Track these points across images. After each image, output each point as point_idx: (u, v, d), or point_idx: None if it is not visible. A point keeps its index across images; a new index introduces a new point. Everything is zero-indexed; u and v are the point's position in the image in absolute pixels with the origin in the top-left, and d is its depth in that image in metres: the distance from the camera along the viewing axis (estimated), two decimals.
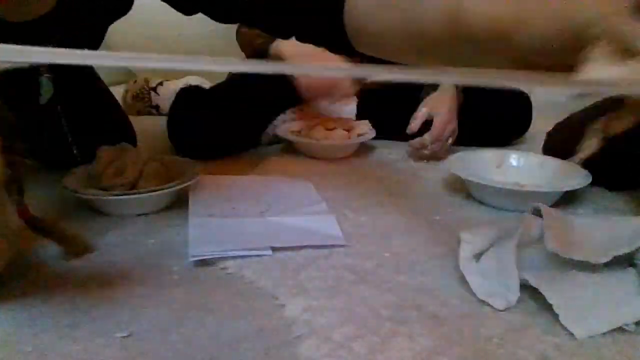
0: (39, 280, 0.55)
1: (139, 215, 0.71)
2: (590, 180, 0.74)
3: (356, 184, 0.88)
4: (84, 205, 0.75)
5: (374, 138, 1.14)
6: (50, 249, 0.62)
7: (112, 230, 0.68)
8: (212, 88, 1.16)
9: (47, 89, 0.76)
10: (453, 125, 1.01)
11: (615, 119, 0.45)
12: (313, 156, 1.03)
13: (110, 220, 0.71)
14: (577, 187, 0.73)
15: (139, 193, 0.70)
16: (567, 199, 0.77)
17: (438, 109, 1.01)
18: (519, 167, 0.86)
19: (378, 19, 0.52)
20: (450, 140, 1.01)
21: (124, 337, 0.45)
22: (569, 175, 0.77)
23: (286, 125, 1.10)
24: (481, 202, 0.78)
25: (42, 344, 0.44)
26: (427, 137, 0.99)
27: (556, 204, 0.74)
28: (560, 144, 0.92)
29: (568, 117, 0.95)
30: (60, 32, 0.68)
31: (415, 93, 1.13)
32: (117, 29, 0.88)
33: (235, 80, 1.12)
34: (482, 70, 0.39)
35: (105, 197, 0.70)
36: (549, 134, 0.98)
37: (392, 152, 1.07)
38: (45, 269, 0.57)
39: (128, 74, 1.87)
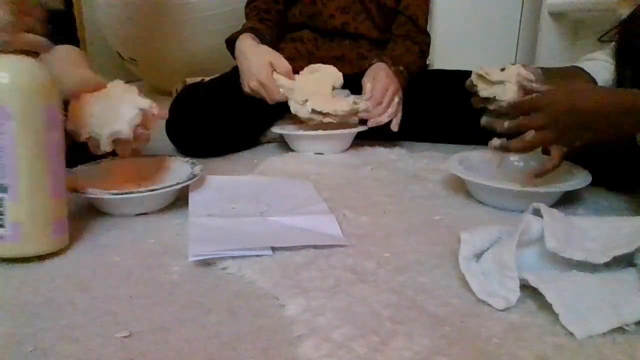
0: (39, 280, 0.55)
1: (138, 215, 0.71)
2: (590, 180, 0.74)
3: (356, 184, 0.89)
4: (83, 205, 0.75)
5: (375, 138, 1.14)
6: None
7: (112, 230, 0.68)
8: (213, 85, 1.15)
9: None
10: (395, 86, 1.04)
11: None
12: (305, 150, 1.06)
13: (110, 219, 0.71)
14: (577, 187, 0.73)
15: (139, 192, 0.70)
16: (567, 199, 0.77)
17: (376, 75, 1.05)
18: (519, 167, 0.86)
19: None
20: (395, 103, 1.04)
21: (124, 337, 0.45)
22: (569, 175, 0.77)
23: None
24: (481, 202, 0.78)
25: (42, 344, 0.44)
26: (365, 101, 1.02)
27: (556, 204, 0.74)
28: None
29: None
30: None
31: (420, 94, 1.13)
32: None
33: (236, 79, 1.12)
34: None
35: (105, 197, 0.70)
36: None
37: (392, 152, 1.07)
38: (45, 269, 0.57)
39: (129, 74, 1.87)
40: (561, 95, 0.67)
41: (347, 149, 1.08)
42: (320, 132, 1.04)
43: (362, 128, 1.06)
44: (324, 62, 1.11)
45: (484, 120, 0.73)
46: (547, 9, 1.84)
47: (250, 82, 1.02)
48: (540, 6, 1.87)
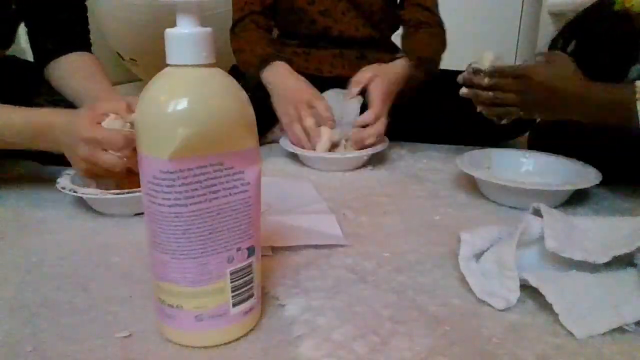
0: (39, 280, 0.55)
1: (138, 214, 0.71)
2: (600, 178, 0.75)
3: (356, 183, 0.89)
4: (83, 205, 0.75)
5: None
6: (49, 249, 0.62)
7: (111, 230, 0.68)
8: None
9: None
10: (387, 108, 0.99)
11: None
12: (319, 169, 0.97)
13: (110, 219, 0.71)
14: (589, 185, 0.73)
15: (138, 192, 0.69)
16: (567, 199, 0.77)
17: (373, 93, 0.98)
18: (529, 165, 0.87)
19: None
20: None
21: (124, 337, 0.45)
22: (580, 174, 0.78)
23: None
24: (482, 202, 0.78)
25: (42, 344, 0.44)
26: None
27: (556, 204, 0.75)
28: (544, 140, 0.94)
29: None
30: None
31: (419, 95, 1.13)
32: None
33: (241, 76, 1.12)
34: None
35: (104, 197, 0.70)
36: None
37: (392, 152, 1.07)
38: (45, 269, 0.57)
39: (129, 74, 1.87)
40: (542, 71, 0.75)
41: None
42: (336, 155, 0.96)
43: (379, 149, 0.99)
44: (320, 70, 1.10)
45: (462, 76, 0.83)
46: (547, 9, 1.85)
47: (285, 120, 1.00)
48: (540, 6, 1.87)
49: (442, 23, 1.16)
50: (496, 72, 0.78)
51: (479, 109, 0.83)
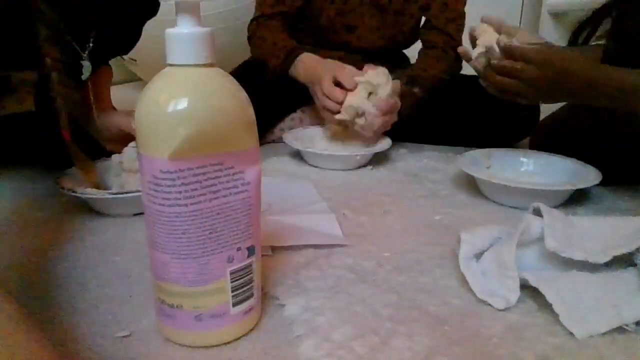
0: (38, 280, 0.55)
1: (138, 214, 0.71)
2: (600, 178, 0.75)
3: (356, 183, 0.89)
4: (83, 206, 0.75)
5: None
6: (49, 249, 0.62)
7: (111, 230, 0.68)
8: None
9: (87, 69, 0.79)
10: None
11: None
12: (322, 167, 0.97)
13: (109, 219, 0.71)
14: (589, 185, 0.73)
15: (138, 192, 0.70)
16: (567, 199, 0.77)
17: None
18: (529, 165, 0.87)
19: None
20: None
21: (124, 337, 0.45)
22: (580, 174, 0.78)
23: (294, 131, 1.08)
24: (482, 202, 0.78)
25: None
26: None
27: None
28: (545, 140, 0.94)
29: (553, 114, 0.99)
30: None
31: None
32: None
33: (241, 76, 1.12)
34: None
35: (104, 197, 0.70)
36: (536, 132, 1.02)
37: (392, 151, 1.07)
38: (45, 269, 0.57)
39: (129, 74, 1.87)
40: (554, 58, 0.73)
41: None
42: (341, 152, 0.97)
43: (383, 148, 1.00)
44: None
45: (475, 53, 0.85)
46: (547, 9, 1.84)
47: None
48: (540, 6, 1.87)
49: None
50: (505, 53, 0.76)
51: (482, 83, 0.83)
